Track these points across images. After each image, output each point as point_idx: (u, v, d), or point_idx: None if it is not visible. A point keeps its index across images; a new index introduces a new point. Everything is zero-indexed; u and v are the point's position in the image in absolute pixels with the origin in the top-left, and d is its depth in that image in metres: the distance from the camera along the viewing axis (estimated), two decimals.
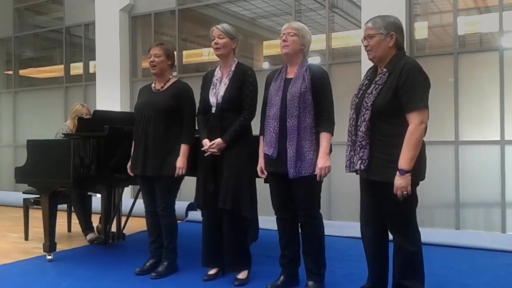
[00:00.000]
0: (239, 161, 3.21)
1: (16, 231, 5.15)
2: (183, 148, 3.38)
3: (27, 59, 8.91)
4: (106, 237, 4.44)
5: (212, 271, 3.38)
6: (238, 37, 3.36)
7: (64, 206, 4.94)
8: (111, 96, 6.96)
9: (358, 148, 2.49)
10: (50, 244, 3.88)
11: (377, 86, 2.47)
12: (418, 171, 2.42)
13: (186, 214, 5.87)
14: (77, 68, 8.06)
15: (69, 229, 5.24)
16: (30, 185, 4.31)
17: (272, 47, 7.14)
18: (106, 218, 4.44)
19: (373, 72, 2.64)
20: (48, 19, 8.65)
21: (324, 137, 2.90)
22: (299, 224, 3.05)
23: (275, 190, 3.09)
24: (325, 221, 3.09)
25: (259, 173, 3.16)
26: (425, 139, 2.46)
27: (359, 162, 2.49)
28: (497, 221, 4.88)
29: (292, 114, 2.88)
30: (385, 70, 2.49)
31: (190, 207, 5.86)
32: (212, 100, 3.25)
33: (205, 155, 3.22)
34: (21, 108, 8.49)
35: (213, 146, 3.18)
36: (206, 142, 3.22)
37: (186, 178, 3.54)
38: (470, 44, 5.47)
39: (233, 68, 3.29)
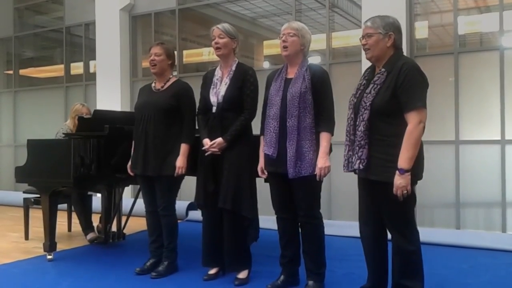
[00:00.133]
0: (239, 160, 3.21)
1: (16, 231, 5.16)
2: (183, 148, 3.38)
3: (27, 59, 8.91)
4: (106, 236, 4.44)
5: (212, 271, 3.38)
6: (239, 36, 3.36)
7: (64, 205, 4.95)
8: (111, 95, 6.96)
9: (357, 148, 2.50)
10: (50, 243, 3.88)
11: (375, 85, 2.48)
12: (416, 171, 2.43)
13: (187, 214, 5.87)
14: (77, 68, 8.07)
15: (70, 229, 5.24)
16: (31, 185, 4.31)
17: (272, 46, 7.13)
18: (107, 217, 4.44)
19: (371, 72, 2.65)
20: (48, 19, 8.65)
21: (324, 137, 2.90)
22: (299, 223, 3.05)
23: (275, 190, 3.09)
24: (325, 221, 3.09)
25: (259, 173, 3.16)
26: (425, 138, 2.46)
27: (358, 161, 2.49)
28: (497, 221, 4.88)
29: (292, 114, 2.87)
30: (383, 70, 2.50)
31: (190, 207, 5.86)
32: (213, 99, 3.25)
33: (206, 154, 3.22)
34: (21, 108, 8.49)
35: (214, 145, 3.18)
36: (207, 142, 3.22)
37: (187, 177, 3.54)
38: (470, 44, 5.47)
39: (233, 68, 3.29)
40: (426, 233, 4.32)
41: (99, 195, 4.69)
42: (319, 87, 2.93)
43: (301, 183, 2.89)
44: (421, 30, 5.51)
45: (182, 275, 3.48)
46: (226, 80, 3.26)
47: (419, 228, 2.60)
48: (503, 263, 3.81)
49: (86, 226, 4.68)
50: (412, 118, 2.39)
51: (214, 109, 3.25)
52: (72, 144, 3.64)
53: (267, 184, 3.19)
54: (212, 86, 3.29)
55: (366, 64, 2.74)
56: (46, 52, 8.96)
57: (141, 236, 4.70)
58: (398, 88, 2.41)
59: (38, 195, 4.38)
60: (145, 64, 6.99)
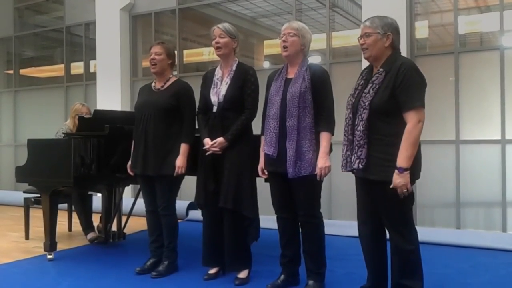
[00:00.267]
0: (240, 160, 3.21)
1: (16, 230, 5.16)
2: (183, 147, 3.38)
3: (27, 59, 8.91)
4: (107, 236, 4.44)
5: (212, 271, 3.39)
6: (239, 36, 3.36)
7: (65, 205, 4.95)
8: (112, 95, 6.96)
9: (356, 148, 2.50)
10: (50, 243, 3.88)
11: (374, 85, 2.49)
12: (414, 170, 2.44)
13: (187, 214, 5.87)
14: (77, 68, 8.07)
15: (70, 229, 5.24)
16: (31, 185, 4.31)
17: (272, 46, 7.13)
18: (107, 217, 4.44)
19: (368, 72, 2.65)
20: (48, 19, 8.64)
21: (324, 136, 2.89)
22: (300, 223, 3.05)
23: (276, 189, 3.09)
24: (325, 220, 3.09)
25: (260, 173, 3.16)
26: (425, 138, 2.47)
27: (357, 161, 2.50)
28: (497, 220, 4.88)
29: (292, 113, 2.87)
30: (381, 69, 2.51)
31: (191, 207, 5.86)
32: (214, 99, 3.25)
33: (207, 154, 3.22)
34: (21, 108, 8.49)
35: (215, 145, 3.18)
36: (207, 141, 3.22)
37: (187, 177, 3.54)
38: (470, 43, 5.46)
39: (234, 68, 3.29)
40: (426, 233, 4.34)
41: (99, 195, 4.69)
42: (319, 87, 2.93)
43: (301, 182, 2.89)
44: (422, 29, 5.51)
45: (182, 275, 3.48)
46: (227, 80, 3.26)
47: (419, 228, 2.60)
48: (503, 262, 3.81)
49: (87, 225, 4.69)
50: (411, 118, 2.40)
51: (214, 109, 3.25)
52: (72, 144, 3.64)
53: (267, 184, 3.19)
54: (212, 86, 3.29)
55: (366, 64, 2.75)
56: (46, 52, 8.96)
57: (141, 236, 4.70)
58: (396, 88, 2.42)
59: (39, 195, 4.39)
60: (146, 63, 6.99)
